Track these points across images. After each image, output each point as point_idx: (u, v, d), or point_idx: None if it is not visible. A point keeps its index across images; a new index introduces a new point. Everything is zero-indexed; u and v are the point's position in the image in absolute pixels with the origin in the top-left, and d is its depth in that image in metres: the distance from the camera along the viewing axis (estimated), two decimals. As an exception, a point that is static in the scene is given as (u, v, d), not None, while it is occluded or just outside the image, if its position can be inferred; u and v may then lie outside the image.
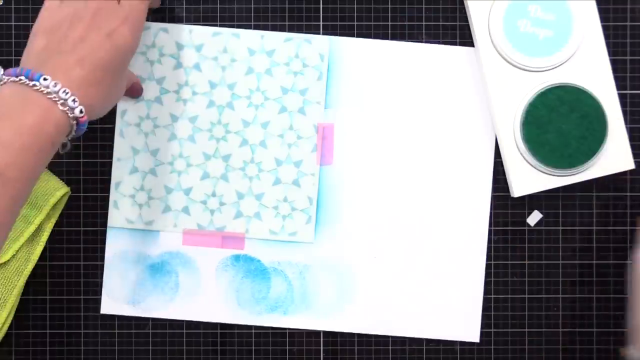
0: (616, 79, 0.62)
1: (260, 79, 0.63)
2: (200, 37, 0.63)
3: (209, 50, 0.63)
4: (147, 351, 0.63)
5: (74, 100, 0.48)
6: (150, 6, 0.57)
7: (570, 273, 0.62)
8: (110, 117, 0.62)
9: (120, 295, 0.63)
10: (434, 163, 0.63)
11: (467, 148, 0.63)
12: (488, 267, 0.63)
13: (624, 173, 0.62)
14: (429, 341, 0.63)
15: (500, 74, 0.61)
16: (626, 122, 0.62)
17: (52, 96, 0.48)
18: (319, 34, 0.63)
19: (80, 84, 0.49)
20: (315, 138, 0.63)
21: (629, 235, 0.62)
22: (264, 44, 0.63)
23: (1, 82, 0.49)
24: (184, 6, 0.63)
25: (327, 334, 0.63)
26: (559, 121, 0.60)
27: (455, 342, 0.63)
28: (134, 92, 0.61)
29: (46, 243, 0.61)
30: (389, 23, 0.63)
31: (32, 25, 0.52)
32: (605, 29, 0.62)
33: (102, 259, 0.63)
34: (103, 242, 0.63)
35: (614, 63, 0.62)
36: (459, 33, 0.63)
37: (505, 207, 0.63)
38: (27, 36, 0.52)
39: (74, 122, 0.49)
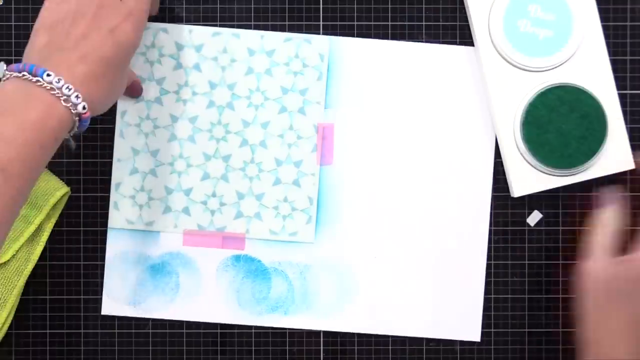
0: (616, 79, 0.62)
1: (260, 79, 0.63)
2: (200, 37, 0.62)
3: (209, 51, 0.62)
4: (147, 351, 0.63)
5: (77, 97, 0.49)
6: (149, 14, 0.57)
7: (570, 273, 0.62)
8: (110, 118, 0.62)
9: (120, 296, 0.63)
10: (434, 163, 0.63)
11: (467, 148, 0.63)
12: (488, 267, 0.63)
13: (624, 173, 0.62)
14: (429, 341, 0.63)
15: (500, 74, 0.61)
16: (626, 122, 0.62)
17: (55, 92, 0.48)
18: (319, 34, 0.63)
19: (83, 80, 0.49)
20: (315, 138, 0.63)
21: (629, 235, 0.62)
22: (263, 44, 0.63)
23: (4, 78, 0.49)
24: (184, 6, 0.63)
25: (327, 334, 0.63)
26: (559, 121, 0.60)
27: (456, 341, 0.63)
28: (134, 91, 0.61)
29: (46, 243, 0.61)
30: (389, 23, 0.63)
31: (32, 24, 0.52)
32: (605, 29, 0.62)
33: (103, 259, 0.63)
34: (103, 242, 0.63)
35: (614, 63, 0.62)
36: (459, 33, 0.63)
37: (505, 207, 0.63)
38: (27, 35, 0.52)
39: (77, 118, 0.49)
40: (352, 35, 0.63)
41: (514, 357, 0.63)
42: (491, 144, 0.63)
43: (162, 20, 0.63)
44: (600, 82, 0.61)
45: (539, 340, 0.63)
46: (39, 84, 0.48)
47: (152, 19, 0.62)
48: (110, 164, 0.63)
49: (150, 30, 0.62)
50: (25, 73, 0.48)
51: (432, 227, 0.63)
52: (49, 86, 0.48)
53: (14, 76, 0.48)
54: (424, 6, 0.63)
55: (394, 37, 0.63)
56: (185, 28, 0.63)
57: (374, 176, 0.63)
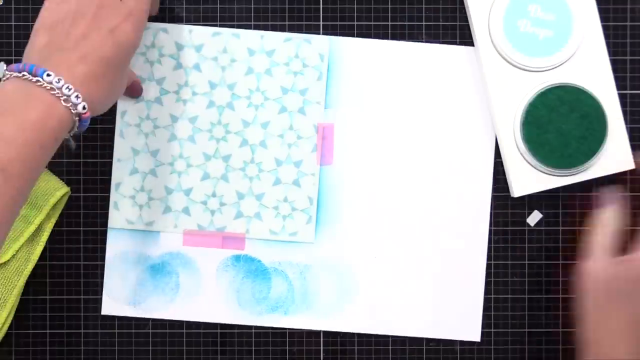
0: (616, 79, 0.62)
1: (260, 79, 0.63)
2: (200, 37, 0.62)
3: (209, 51, 0.62)
4: (147, 351, 0.63)
5: (77, 97, 0.49)
6: (149, 14, 0.57)
7: (570, 273, 0.62)
8: (110, 118, 0.62)
9: (120, 296, 0.63)
10: (434, 163, 0.63)
11: (467, 148, 0.63)
12: (488, 267, 0.63)
13: (624, 173, 0.62)
14: (429, 341, 0.63)
15: (500, 74, 0.61)
16: (626, 122, 0.62)
17: (55, 92, 0.48)
18: (319, 34, 0.63)
19: (84, 80, 0.49)
20: (315, 138, 0.63)
21: (629, 235, 0.62)
22: (263, 44, 0.63)
23: (4, 78, 0.49)
24: (184, 6, 0.63)
25: (327, 334, 0.63)
26: (559, 121, 0.60)
27: (456, 341, 0.63)
28: (134, 91, 0.61)
29: (46, 243, 0.61)
30: (389, 23, 0.63)
31: (32, 24, 0.52)
32: (605, 29, 0.62)
33: (103, 259, 0.63)
34: (103, 242, 0.63)
35: (614, 63, 0.62)
36: (459, 33, 0.63)
37: (505, 207, 0.63)
38: (27, 36, 0.52)
39: (77, 118, 0.49)
40: (352, 35, 0.63)
41: (514, 357, 0.63)
42: (491, 144, 0.63)
43: (162, 20, 0.63)
44: (600, 82, 0.61)
45: (539, 340, 0.63)
46: (39, 84, 0.48)
47: (152, 19, 0.62)
48: (110, 164, 0.63)
49: (150, 30, 0.62)
50: (25, 73, 0.48)
51: (432, 227, 0.63)
52: (49, 86, 0.48)
53: (14, 76, 0.48)
54: (424, 6, 0.63)
55: (394, 37, 0.63)
56: (185, 28, 0.63)
57: (374, 176, 0.63)
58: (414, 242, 0.63)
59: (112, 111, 0.62)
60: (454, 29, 0.63)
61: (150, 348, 0.63)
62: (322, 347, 0.63)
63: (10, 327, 0.61)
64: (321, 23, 0.63)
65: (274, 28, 0.63)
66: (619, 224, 0.59)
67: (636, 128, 0.63)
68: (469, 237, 0.63)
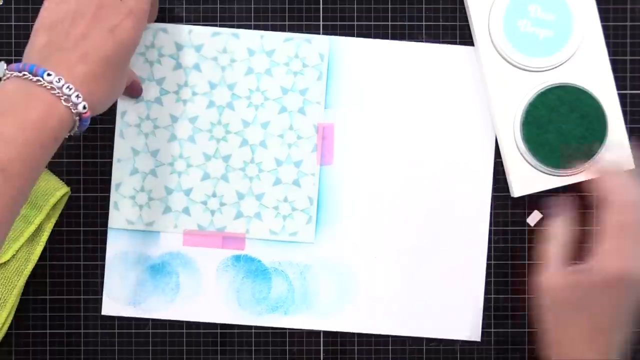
0: (616, 79, 0.62)
1: (260, 79, 0.63)
2: (199, 37, 0.62)
3: (209, 51, 0.62)
4: (147, 351, 0.63)
5: (77, 96, 0.49)
6: (148, 21, 0.57)
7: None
8: (110, 118, 0.62)
9: (120, 296, 0.63)
10: (434, 163, 0.63)
11: (467, 148, 0.63)
12: (488, 267, 0.63)
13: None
14: (429, 341, 0.63)
15: (500, 74, 0.61)
16: (626, 122, 0.62)
17: (55, 92, 0.48)
18: (319, 34, 0.63)
19: (84, 79, 0.49)
20: (315, 138, 0.63)
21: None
22: (263, 44, 0.63)
23: (5, 77, 0.49)
24: (184, 6, 0.63)
25: (327, 334, 0.63)
26: (559, 121, 0.60)
27: (456, 341, 0.63)
28: (134, 91, 0.61)
29: (46, 243, 0.61)
30: (389, 23, 0.63)
31: (32, 24, 0.52)
32: (605, 29, 0.62)
33: (103, 259, 0.63)
34: (103, 242, 0.63)
35: (614, 63, 0.62)
36: (459, 33, 0.63)
37: (505, 207, 0.63)
38: (27, 36, 0.52)
39: (77, 118, 0.49)
40: (352, 35, 0.63)
41: (514, 357, 0.63)
42: (491, 144, 0.63)
43: (162, 20, 0.63)
44: (600, 82, 0.61)
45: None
46: (39, 83, 0.48)
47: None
48: (110, 164, 0.63)
49: (150, 30, 0.62)
50: (25, 73, 0.48)
51: (432, 227, 0.63)
52: (49, 86, 0.48)
53: (14, 76, 0.48)
54: (424, 6, 0.63)
55: (394, 37, 0.63)
56: (185, 28, 0.63)
57: (374, 176, 0.63)
58: (414, 242, 0.63)
59: (112, 111, 0.62)
60: (454, 29, 0.63)
61: (150, 348, 0.63)
62: (322, 347, 0.63)
63: (10, 327, 0.61)
64: (321, 23, 0.63)
65: (274, 28, 0.63)
66: (570, 232, 0.58)
67: (636, 128, 0.63)
68: (469, 237, 0.63)
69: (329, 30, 0.63)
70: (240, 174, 0.62)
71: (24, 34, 0.62)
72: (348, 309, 0.63)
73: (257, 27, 0.63)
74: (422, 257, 0.63)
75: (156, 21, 0.62)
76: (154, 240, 0.63)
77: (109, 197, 0.63)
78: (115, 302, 0.63)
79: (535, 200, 0.63)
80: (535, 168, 0.61)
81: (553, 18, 0.61)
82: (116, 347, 0.63)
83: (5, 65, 0.50)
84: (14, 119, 0.47)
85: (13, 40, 0.63)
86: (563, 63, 0.61)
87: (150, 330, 0.63)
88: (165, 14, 0.63)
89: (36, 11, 0.52)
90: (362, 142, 0.63)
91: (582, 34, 0.61)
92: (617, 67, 0.62)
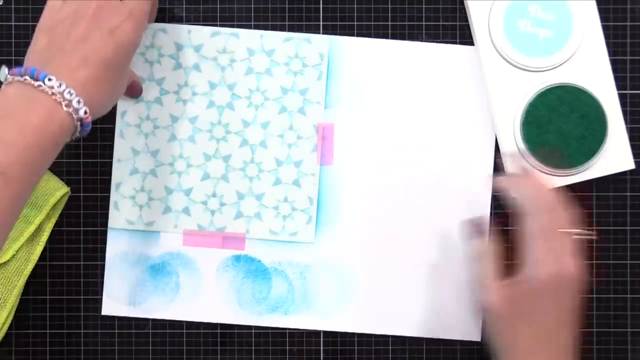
0: (616, 79, 0.62)
1: (260, 79, 0.63)
2: (199, 37, 0.62)
3: (209, 51, 0.62)
4: (147, 351, 0.63)
5: (78, 101, 0.48)
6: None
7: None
8: (110, 118, 0.62)
9: (120, 296, 0.63)
10: (434, 163, 0.63)
11: (467, 148, 0.63)
12: (488, 267, 0.63)
13: (624, 173, 0.62)
14: (429, 341, 0.63)
15: (500, 74, 0.61)
16: (626, 122, 0.62)
17: (56, 97, 0.48)
18: (319, 33, 0.63)
19: (85, 84, 0.49)
20: (315, 138, 0.63)
21: (629, 235, 0.62)
22: (263, 44, 0.63)
23: (6, 82, 0.49)
24: (184, 6, 0.63)
25: (327, 334, 0.63)
26: (559, 121, 0.60)
27: (456, 341, 0.63)
28: (134, 91, 0.61)
29: (46, 243, 0.61)
30: (389, 23, 0.63)
31: (32, 24, 0.52)
32: (605, 29, 0.62)
33: (103, 259, 0.63)
34: (103, 242, 0.63)
35: (614, 63, 0.62)
36: (459, 33, 0.63)
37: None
38: (27, 36, 0.52)
39: (78, 122, 0.49)
40: (352, 35, 0.63)
41: (514, 357, 0.63)
42: (491, 144, 0.63)
43: (162, 20, 0.63)
44: (600, 82, 0.61)
45: (539, 340, 0.63)
46: (40, 88, 0.48)
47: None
48: (110, 164, 0.63)
49: (150, 31, 0.62)
50: (27, 77, 0.48)
51: (432, 227, 0.63)
52: (50, 91, 0.48)
53: (15, 80, 0.48)
54: (424, 6, 0.63)
55: (394, 37, 0.63)
56: (184, 28, 0.63)
57: (374, 176, 0.63)
58: (414, 241, 0.63)
59: (112, 111, 0.62)
60: (454, 29, 0.63)
61: (150, 348, 0.63)
62: (322, 347, 0.63)
63: (10, 327, 0.61)
64: (321, 23, 0.63)
65: (274, 28, 0.63)
66: (496, 246, 0.58)
67: (636, 128, 0.63)
68: (469, 237, 0.63)
69: (329, 30, 0.63)
70: (240, 174, 0.62)
71: (24, 35, 0.62)
72: (348, 309, 0.63)
73: (257, 27, 0.63)
74: (422, 257, 0.63)
75: (156, 21, 0.62)
76: (154, 240, 0.63)
77: (109, 197, 0.63)
78: (115, 302, 0.63)
79: (535, 200, 0.63)
80: (535, 168, 0.61)
81: (553, 18, 0.61)
82: (116, 347, 0.63)
83: (7, 69, 0.50)
84: (15, 123, 0.47)
85: (13, 41, 0.63)
86: (563, 63, 0.61)
87: (150, 330, 0.63)
88: (165, 14, 0.63)
89: (36, 11, 0.53)
90: (362, 142, 0.63)
91: (582, 34, 0.61)
92: (617, 67, 0.62)
